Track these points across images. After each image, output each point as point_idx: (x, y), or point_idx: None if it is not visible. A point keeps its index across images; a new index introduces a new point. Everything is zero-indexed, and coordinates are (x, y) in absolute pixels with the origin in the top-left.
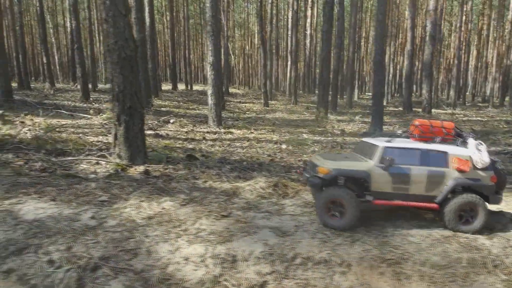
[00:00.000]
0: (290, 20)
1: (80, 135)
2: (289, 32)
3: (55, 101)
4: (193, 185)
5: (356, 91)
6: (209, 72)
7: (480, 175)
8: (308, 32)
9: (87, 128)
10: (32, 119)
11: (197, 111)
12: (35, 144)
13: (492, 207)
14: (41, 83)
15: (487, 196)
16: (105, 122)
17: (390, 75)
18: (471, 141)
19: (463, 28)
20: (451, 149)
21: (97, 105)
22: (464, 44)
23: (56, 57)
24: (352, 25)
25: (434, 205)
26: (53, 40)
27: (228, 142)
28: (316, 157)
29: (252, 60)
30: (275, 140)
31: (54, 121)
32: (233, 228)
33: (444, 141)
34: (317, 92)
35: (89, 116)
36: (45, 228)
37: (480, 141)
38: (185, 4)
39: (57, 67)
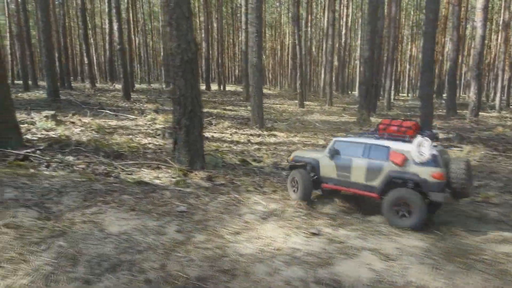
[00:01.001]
0: (325, 19)
1: (130, 136)
2: (324, 32)
3: (98, 101)
4: (264, 195)
5: (392, 92)
6: (251, 74)
7: (418, 170)
8: (343, 32)
9: (134, 129)
10: (80, 119)
11: (234, 112)
12: (92, 146)
13: None
14: (80, 83)
15: (427, 192)
16: (149, 123)
17: None
18: (417, 137)
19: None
20: (393, 144)
21: (138, 105)
22: (506, 43)
23: (94, 58)
24: (391, 23)
25: (374, 195)
26: (92, 41)
27: (274, 146)
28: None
29: (282, 61)
30: (322, 144)
31: (101, 122)
32: (330, 249)
33: (391, 137)
34: (350, 92)
35: (133, 116)
36: (134, 243)
37: (427, 138)
38: (217, 5)
39: (95, 67)
